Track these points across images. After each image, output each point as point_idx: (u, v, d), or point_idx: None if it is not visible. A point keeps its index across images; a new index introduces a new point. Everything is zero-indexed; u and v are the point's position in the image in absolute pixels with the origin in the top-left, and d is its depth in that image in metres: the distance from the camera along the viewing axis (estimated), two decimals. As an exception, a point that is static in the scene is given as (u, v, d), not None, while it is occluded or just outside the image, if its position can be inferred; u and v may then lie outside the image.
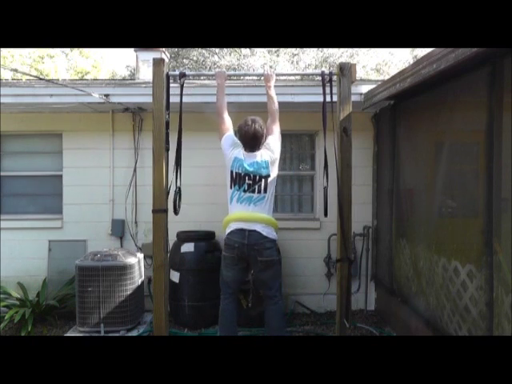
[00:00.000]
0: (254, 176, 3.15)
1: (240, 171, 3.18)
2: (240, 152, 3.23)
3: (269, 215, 3.21)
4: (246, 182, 3.15)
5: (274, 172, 3.22)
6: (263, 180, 3.16)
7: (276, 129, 3.30)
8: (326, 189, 3.37)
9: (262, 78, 3.48)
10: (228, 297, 3.37)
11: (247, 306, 3.30)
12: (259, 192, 3.15)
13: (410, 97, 3.92)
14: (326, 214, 3.34)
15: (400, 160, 4.38)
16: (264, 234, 3.14)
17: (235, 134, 3.39)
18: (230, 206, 3.25)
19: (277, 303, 3.33)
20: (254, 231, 3.11)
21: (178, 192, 3.34)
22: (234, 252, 3.18)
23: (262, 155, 3.22)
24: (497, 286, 2.61)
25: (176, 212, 3.35)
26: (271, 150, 3.25)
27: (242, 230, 3.13)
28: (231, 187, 3.22)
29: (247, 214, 3.14)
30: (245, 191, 3.15)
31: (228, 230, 3.23)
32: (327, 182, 3.38)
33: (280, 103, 3.42)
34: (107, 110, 5.06)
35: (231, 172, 3.22)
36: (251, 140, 3.22)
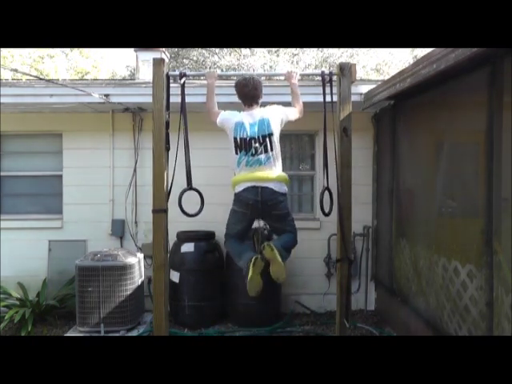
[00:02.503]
0: (259, 137, 3.16)
1: (245, 136, 3.17)
2: (239, 117, 3.23)
3: (279, 171, 3.26)
4: (252, 146, 3.16)
5: (275, 129, 3.21)
6: (268, 139, 3.17)
7: (299, 108, 3.32)
8: (327, 189, 3.37)
9: (284, 77, 3.49)
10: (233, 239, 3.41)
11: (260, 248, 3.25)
12: (266, 152, 3.17)
13: (409, 97, 3.92)
14: (326, 214, 3.35)
15: (400, 160, 4.38)
16: (276, 189, 3.19)
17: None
18: (238, 169, 3.24)
19: (292, 233, 3.35)
20: (267, 188, 3.16)
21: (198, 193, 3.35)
22: (247, 208, 3.22)
23: (262, 113, 3.23)
24: (497, 286, 2.61)
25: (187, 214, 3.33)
26: (279, 110, 3.26)
27: (254, 188, 3.16)
28: (237, 153, 3.22)
29: (258, 175, 3.17)
30: (253, 155, 3.17)
31: (239, 188, 3.24)
32: (327, 181, 3.37)
33: (280, 103, 3.42)
34: (107, 110, 5.06)
35: (235, 139, 3.21)
36: (250, 91, 3.23)
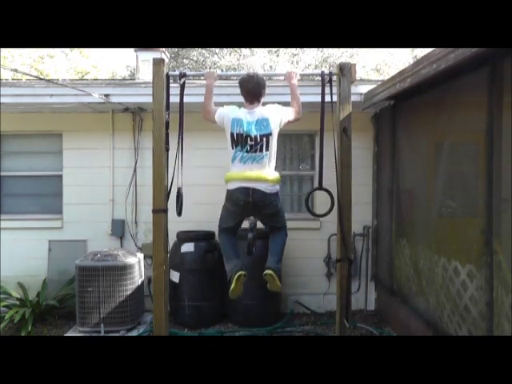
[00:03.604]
0: (256, 136, 3.15)
1: (241, 131, 3.16)
2: (239, 113, 3.22)
3: (271, 171, 3.25)
4: (248, 142, 3.15)
5: (274, 129, 3.20)
6: (265, 138, 3.16)
7: (298, 109, 3.32)
8: (326, 190, 3.37)
9: (283, 78, 3.49)
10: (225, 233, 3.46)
11: (252, 251, 3.37)
12: (261, 151, 3.17)
13: (409, 97, 3.92)
14: (315, 215, 3.42)
15: (400, 160, 4.38)
16: (267, 191, 3.19)
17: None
18: (233, 165, 3.25)
19: (281, 232, 3.44)
20: (258, 190, 3.17)
21: (178, 193, 3.34)
22: (238, 207, 3.25)
23: (262, 112, 3.21)
24: (497, 286, 2.61)
25: (179, 213, 3.36)
26: (278, 111, 3.25)
27: (246, 189, 3.17)
28: (233, 148, 3.22)
29: (251, 175, 3.16)
30: (247, 152, 3.16)
31: (231, 186, 3.25)
32: (321, 182, 3.38)
33: (280, 103, 3.42)
34: (107, 110, 5.06)
35: (232, 134, 3.20)
36: (253, 87, 3.22)
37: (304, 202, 3.46)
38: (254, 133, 3.14)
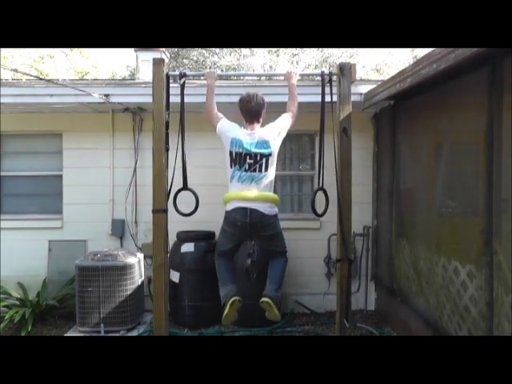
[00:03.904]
0: (255, 155, 3.13)
1: (240, 151, 3.14)
2: (238, 133, 3.19)
3: (270, 192, 3.23)
4: (247, 161, 3.13)
5: (275, 150, 3.19)
6: (264, 159, 3.15)
7: (294, 109, 3.29)
8: (322, 189, 3.37)
9: (283, 78, 3.48)
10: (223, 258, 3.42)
11: (252, 276, 3.35)
12: (260, 171, 3.15)
13: (409, 97, 3.92)
14: (318, 215, 3.40)
15: (400, 160, 4.38)
16: (266, 212, 3.15)
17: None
18: (231, 185, 3.23)
19: (281, 258, 3.37)
20: (256, 210, 3.13)
21: (193, 193, 3.35)
22: (236, 229, 3.21)
23: (262, 135, 3.18)
24: (497, 286, 2.61)
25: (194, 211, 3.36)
26: (276, 126, 3.23)
27: (243, 209, 3.13)
28: (231, 167, 3.20)
29: (249, 194, 3.13)
30: (246, 171, 3.14)
31: (229, 207, 3.22)
32: (322, 182, 3.37)
33: (280, 103, 3.42)
34: (107, 110, 5.06)
35: (230, 153, 3.18)
36: (253, 107, 3.20)
37: (310, 203, 3.44)
38: (253, 152, 3.12)
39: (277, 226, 3.28)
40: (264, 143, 3.15)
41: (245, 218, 3.12)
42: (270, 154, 3.15)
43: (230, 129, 3.22)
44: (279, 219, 3.31)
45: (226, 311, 3.11)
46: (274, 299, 3.17)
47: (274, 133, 3.20)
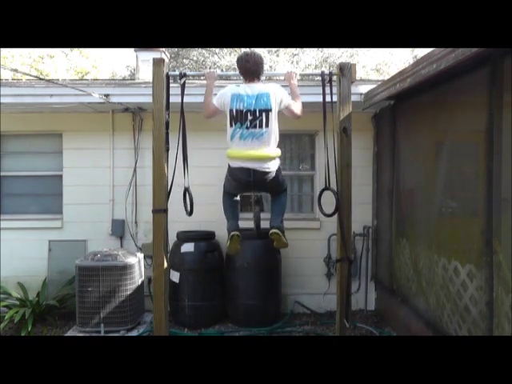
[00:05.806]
0: (255, 111, 3.10)
1: (241, 108, 3.12)
2: (238, 89, 3.17)
3: (272, 149, 3.21)
4: (248, 118, 3.11)
5: (275, 107, 3.15)
6: (264, 114, 3.11)
7: (298, 104, 3.28)
8: (328, 189, 3.35)
9: (283, 78, 3.47)
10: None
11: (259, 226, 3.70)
12: (261, 127, 3.12)
13: (409, 97, 3.92)
14: (327, 215, 3.40)
15: (400, 160, 4.38)
16: (268, 170, 3.20)
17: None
18: (232, 143, 3.21)
19: (282, 194, 3.52)
20: (259, 170, 3.17)
21: (186, 192, 3.35)
22: (240, 184, 3.30)
23: (262, 87, 3.17)
24: (497, 286, 2.61)
25: (189, 213, 3.40)
26: (281, 90, 3.21)
27: (247, 169, 3.17)
28: (232, 125, 3.17)
29: (251, 153, 3.14)
30: (247, 128, 3.12)
31: (233, 164, 3.24)
32: (329, 182, 3.35)
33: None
34: (107, 110, 5.06)
35: (231, 111, 3.15)
36: (251, 66, 3.18)
37: (317, 202, 3.49)
38: (253, 107, 3.10)
39: (279, 177, 3.36)
40: (264, 95, 3.12)
41: (248, 177, 3.19)
42: (269, 110, 3.11)
43: (228, 89, 3.22)
44: (280, 167, 3.34)
45: (228, 244, 3.39)
46: (281, 229, 3.36)
47: (275, 89, 3.19)
